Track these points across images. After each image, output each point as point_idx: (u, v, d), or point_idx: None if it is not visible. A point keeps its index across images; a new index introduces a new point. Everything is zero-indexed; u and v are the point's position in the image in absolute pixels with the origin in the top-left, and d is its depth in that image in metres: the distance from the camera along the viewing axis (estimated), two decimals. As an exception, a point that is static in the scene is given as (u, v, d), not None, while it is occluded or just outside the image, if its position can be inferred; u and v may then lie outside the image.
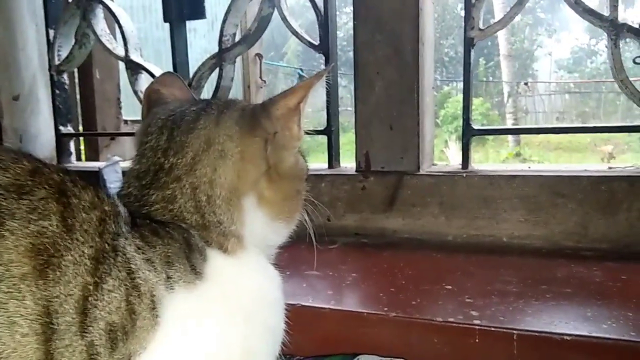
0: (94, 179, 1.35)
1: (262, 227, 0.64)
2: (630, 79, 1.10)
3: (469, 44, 1.19)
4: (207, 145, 0.62)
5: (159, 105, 0.71)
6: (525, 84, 12.35)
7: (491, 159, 8.72)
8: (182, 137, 0.63)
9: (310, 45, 1.32)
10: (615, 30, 1.08)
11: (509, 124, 10.97)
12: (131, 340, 0.51)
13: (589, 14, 1.10)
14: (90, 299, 0.49)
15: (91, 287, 0.49)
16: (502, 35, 10.52)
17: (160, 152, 0.63)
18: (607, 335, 0.72)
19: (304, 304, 0.89)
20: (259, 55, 2.61)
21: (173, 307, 0.54)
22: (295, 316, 0.88)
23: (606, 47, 1.13)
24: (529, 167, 1.22)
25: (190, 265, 0.57)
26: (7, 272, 0.45)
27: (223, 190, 0.61)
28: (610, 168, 1.14)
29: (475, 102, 10.88)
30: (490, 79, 13.51)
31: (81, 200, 0.52)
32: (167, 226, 0.59)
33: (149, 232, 0.57)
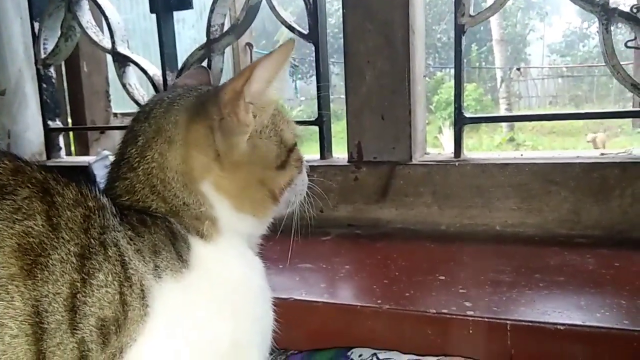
0: (84, 173, 1.33)
1: (230, 216, 0.63)
2: (622, 62, 1.09)
3: (459, 31, 1.17)
4: (156, 133, 0.62)
5: None
6: (518, 69, 12.33)
7: (485, 144, 8.72)
8: (137, 126, 0.64)
9: (300, 34, 1.31)
10: (607, 15, 1.07)
11: (502, 109, 10.97)
12: (123, 333, 0.51)
13: (580, -2, 1.09)
14: (78, 295, 0.49)
15: (78, 284, 0.49)
16: (494, 20, 10.48)
17: (123, 143, 0.65)
18: (600, 324, 0.72)
19: (297, 297, 0.88)
20: (250, 45, 2.59)
21: (161, 297, 0.54)
22: (289, 310, 0.87)
23: (597, 32, 1.11)
24: (521, 155, 1.21)
25: (177, 253, 0.57)
26: None
27: (175, 175, 0.61)
28: (602, 154, 1.14)
29: (469, 87, 10.87)
30: (483, 64, 13.49)
31: (65, 198, 0.52)
32: (150, 215, 0.59)
33: (137, 222, 0.57)
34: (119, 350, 0.51)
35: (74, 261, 0.49)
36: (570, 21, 16.07)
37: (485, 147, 8.51)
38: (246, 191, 0.63)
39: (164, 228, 0.58)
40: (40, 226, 0.48)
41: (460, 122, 1.21)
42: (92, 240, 0.51)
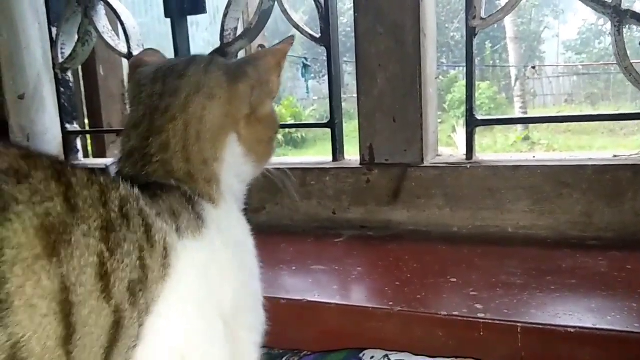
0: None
1: (237, 160, 0.72)
2: (637, 60, 1.09)
3: (470, 33, 1.18)
4: (197, 89, 0.70)
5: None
6: (533, 67, 12.22)
7: (500, 143, 8.67)
8: (175, 82, 0.71)
9: (312, 37, 1.32)
10: (619, 16, 1.07)
11: (516, 108, 10.89)
12: (146, 291, 0.53)
13: (591, 0, 1.09)
14: (108, 263, 0.50)
15: (106, 254, 0.50)
16: (508, 17, 10.35)
17: (155, 96, 0.71)
18: (611, 327, 0.72)
19: (310, 299, 0.89)
20: (262, 47, 2.59)
21: (183, 255, 0.57)
22: (302, 311, 0.89)
23: (609, 34, 1.11)
24: (534, 157, 1.21)
25: (196, 213, 0.62)
26: (19, 255, 0.45)
27: (212, 126, 0.69)
28: (615, 156, 1.13)
29: (483, 86, 10.81)
30: (497, 62, 13.39)
31: (79, 178, 0.53)
32: (162, 187, 0.63)
33: (152, 194, 0.60)
34: (145, 307, 0.53)
35: (97, 234, 0.50)
36: (586, 18, 15.89)
37: (500, 146, 8.46)
38: (260, 143, 0.75)
39: (178, 194, 0.64)
40: (59, 207, 0.49)
41: (471, 125, 1.21)
42: (112, 213, 0.52)
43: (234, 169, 0.72)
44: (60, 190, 0.50)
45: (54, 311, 0.46)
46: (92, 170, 0.56)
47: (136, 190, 0.57)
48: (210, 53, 1.42)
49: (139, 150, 0.68)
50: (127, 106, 0.79)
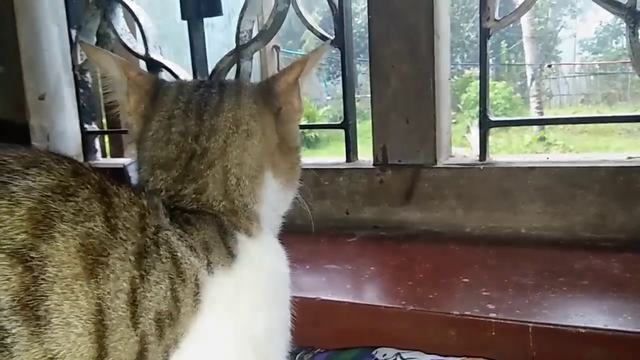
0: (120, 175, 1.39)
1: (275, 197, 0.69)
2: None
3: (484, 35, 1.18)
4: (236, 126, 0.66)
5: (148, 78, 0.71)
6: (549, 66, 12.10)
7: (515, 143, 8.58)
8: (212, 120, 0.66)
9: (325, 40, 1.33)
10: (634, 18, 1.07)
11: (532, 108, 10.78)
12: (176, 326, 0.53)
13: (605, 1, 1.09)
14: (138, 290, 0.50)
15: (138, 280, 0.51)
16: (524, 17, 10.28)
17: (191, 137, 0.65)
18: (622, 328, 0.72)
19: (323, 297, 0.91)
20: (277, 47, 2.63)
21: (213, 290, 0.56)
22: (316, 310, 0.91)
23: (624, 34, 1.11)
24: (547, 158, 1.21)
25: (227, 248, 0.60)
26: (60, 273, 0.46)
27: (251, 170, 0.66)
28: (629, 158, 1.13)
29: (498, 85, 10.72)
30: (513, 61, 13.28)
31: (121, 198, 0.53)
32: (196, 213, 0.61)
33: (183, 222, 0.59)
34: (174, 341, 0.53)
35: (132, 259, 0.51)
36: (603, 17, 15.70)
37: (515, 146, 8.38)
38: (292, 169, 0.72)
39: (213, 224, 0.61)
40: (100, 227, 0.50)
41: (485, 125, 1.22)
42: (147, 238, 0.53)
43: (273, 204, 0.70)
44: (101, 209, 0.51)
45: (88, 331, 0.47)
46: (137, 191, 0.56)
47: (166, 220, 0.56)
48: (227, 55, 1.45)
49: (169, 190, 0.64)
50: (132, 116, 0.70)
